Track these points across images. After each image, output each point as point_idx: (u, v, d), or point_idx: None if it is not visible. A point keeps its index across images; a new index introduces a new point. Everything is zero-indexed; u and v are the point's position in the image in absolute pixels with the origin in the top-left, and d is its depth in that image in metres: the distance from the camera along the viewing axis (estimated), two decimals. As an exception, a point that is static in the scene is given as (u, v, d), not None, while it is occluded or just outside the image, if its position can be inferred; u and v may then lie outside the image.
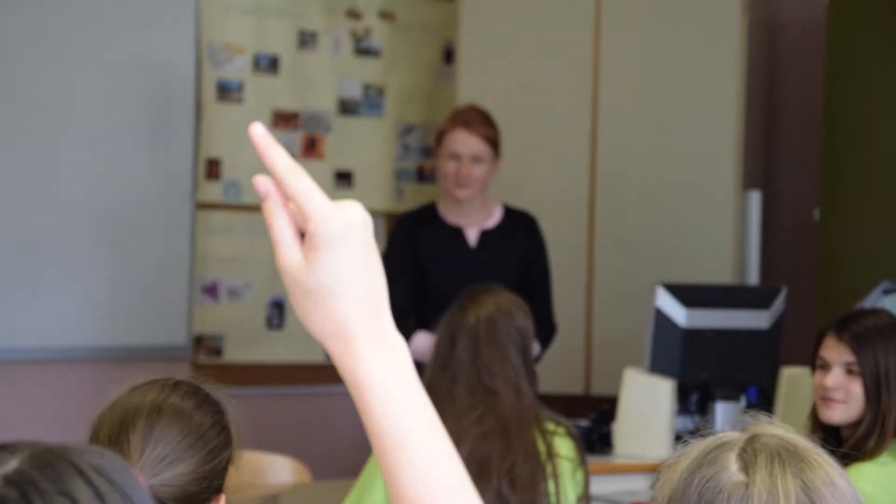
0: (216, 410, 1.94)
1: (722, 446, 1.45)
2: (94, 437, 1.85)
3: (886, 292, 4.24)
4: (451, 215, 4.33)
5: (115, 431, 1.83)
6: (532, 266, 4.38)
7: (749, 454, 1.44)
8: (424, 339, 4.21)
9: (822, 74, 5.48)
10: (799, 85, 5.94)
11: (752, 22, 5.44)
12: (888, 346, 3.05)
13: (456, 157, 4.22)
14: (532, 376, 3.22)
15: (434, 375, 3.17)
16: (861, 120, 5.31)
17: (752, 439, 1.45)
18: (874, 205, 5.25)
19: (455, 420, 3.09)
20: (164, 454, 1.82)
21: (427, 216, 4.33)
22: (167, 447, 1.83)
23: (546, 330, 4.40)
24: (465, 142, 4.22)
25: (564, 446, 3.17)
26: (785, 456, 1.43)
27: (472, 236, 4.35)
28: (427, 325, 4.28)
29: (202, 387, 1.97)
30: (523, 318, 3.23)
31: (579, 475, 3.19)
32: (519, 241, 4.37)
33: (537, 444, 3.13)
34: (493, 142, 4.26)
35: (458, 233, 4.33)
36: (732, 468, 1.43)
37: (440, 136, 4.28)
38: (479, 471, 3.05)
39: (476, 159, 4.22)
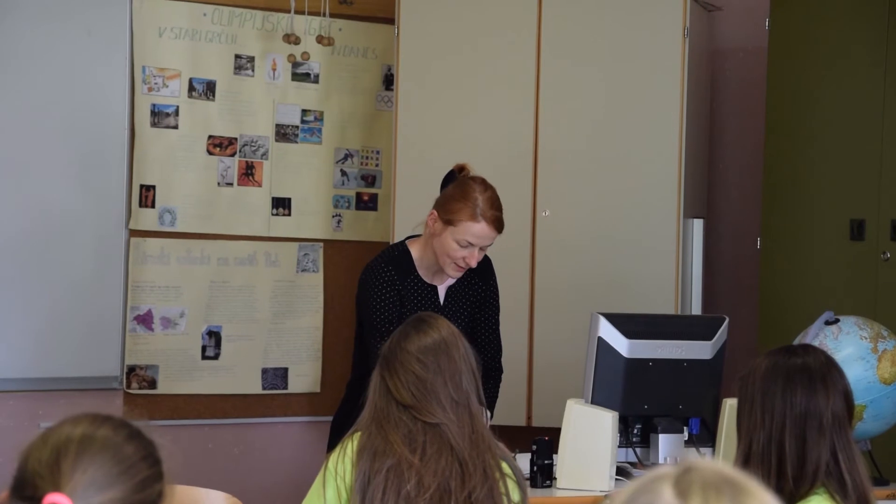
0: (148, 444, 1.95)
1: (658, 478, 1.48)
2: (23, 465, 1.86)
3: (828, 323, 4.23)
4: (426, 272, 4.33)
5: (45, 458, 1.84)
6: (485, 305, 4.43)
7: (684, 483, 1.46)
8: None
9: (763, 103, 5.49)
10: (740, 113, 5.95)
11: (693, 51, 5.44)
12: (764, 380, 3.02)
13: (470, 245, 4.21)
14: (481, 399, 3.22)
15: (379, 416, 3.16)
16: (801, 148, 5.32)
17: (687, 470, 1.48)
18: (815, 234, 5.25)
19: (417, 457, 3.11)
20: (93, 479, 1.83)
21: (406, 270, 4.30)
22: (97, 473, 1.83)
23: (497, 370, 4.43)
24: (486, 236, 4.22)
25: (514, 492, 3.20)
26: (720, 485, 1.46)
27: (441, 293, 4.37)
28: None
29: (134, 423, 1.93)
30: (464, 342, 3.22)
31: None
32: (476, 287, 4.41)
33: (492, 467, 3.15)
34: (503, 227, 4.28)
35: (433, 291, 4.34)
36: (667, 496, 1.45)
37: (455, 219, 4.19)
38: (440, 499, 3.08)
39: (485, 246, 4.26)
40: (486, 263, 4.42)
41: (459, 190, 4.23)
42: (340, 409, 4.47)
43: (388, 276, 4.25)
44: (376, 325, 4.20)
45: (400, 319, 4.22)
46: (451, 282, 4.36)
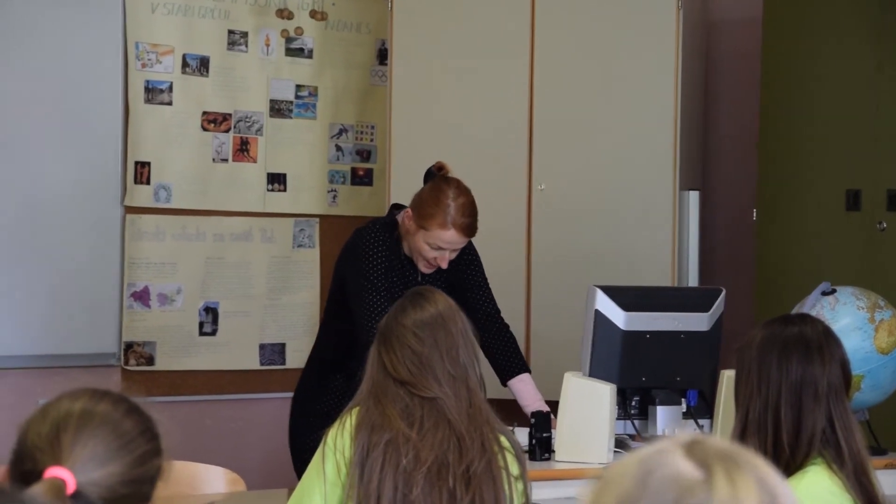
0: (146, 419, 1.95)
1: (665, 451, 1.45)
2: (23, 439, 1.87)
3: (825, 293, 4.23)
4: (408, 248, 4.32)
5: (44, 432, 1.85)
6: (467, 275, 4.42)
7: (699, 454, 1.44)
8: None
9: (758, 74, 5.48)
10: (735, 85, 5.95)
11: (687, 22, 5.42)
12: (762, 349, 3.02)
13: (440, 249, 4.22)
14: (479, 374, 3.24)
15: (377, 391, 3.17)
16: (797, 120, 5.32)
17: (695, 442, 1.46)
18: (811, 205, 5.25)
19: (414, 431, 3.11)
20: (94, 454, 1.84)
21: (394, 242, 4.30)
22: (97, 447, 1.84)
23: (506, 329, 4.43)
24: (456, 241, 4.23)
25: (512, 465, 3.20)
26: (733, 455, 1.45)
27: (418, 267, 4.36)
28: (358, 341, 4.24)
29: (132, 398, 1.94)
30: (461, 317, 3.22)
31: (520, 486, 3.22)
32: (451, 262, 4.36)
33: (490, 440, 3.15)
34: (476, 232, 4.28)
35: (412, 265, 4.33)
36: (687, 467, 1.42)
37: (427, 223, 4.19)
38: (438, 472, 3.09)
39: (456, 249, 4.26)
40: None
41: (433, 195, 4.22)
42: (300, 385, 4.50)
43: (382, 238, 4.27)
44: (369, 278, 4.19)
45: (386, 284, 4.23)
46: None
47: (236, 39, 5.81)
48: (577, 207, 5.44)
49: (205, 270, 5.76)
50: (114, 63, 5.57)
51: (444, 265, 4.24)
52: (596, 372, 4.11)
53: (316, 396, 4.35)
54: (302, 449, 4.22)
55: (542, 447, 4.02)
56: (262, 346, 5.87)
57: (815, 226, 5.24)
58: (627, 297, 4.18)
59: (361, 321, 4.18)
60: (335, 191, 6.01)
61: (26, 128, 5.39)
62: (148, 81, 5.65)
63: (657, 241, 5.36)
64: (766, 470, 1.45)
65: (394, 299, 4.07)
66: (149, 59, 5.64)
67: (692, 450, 1.44)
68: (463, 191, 4.23)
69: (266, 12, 5.80)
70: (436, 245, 4.21)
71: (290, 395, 4.38)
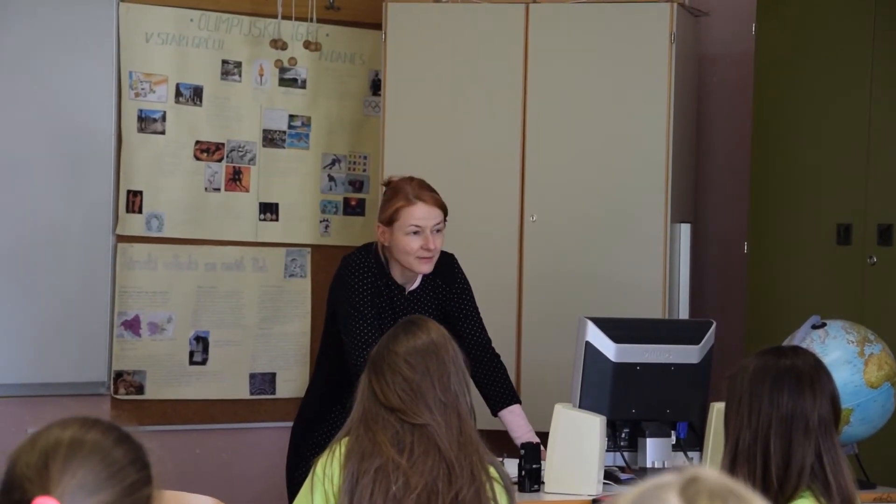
0: (136, 448, 1.92)
1: (662, 486, 1.46)
2: (11, 469, 1.84)
3: (815, 327, 4.24)
4: (398, 275, 4.32)
5: (33, 461, 1.83)
6: (457, 305, 4.41)
7: (691, 493, 1.44)
8: None
9: (749, 108, 5.50)
10: (727, 118, 5.97)
11: (680, 55, 5.45)
12: (753, 380, 3.02)
13: (419, 230, 4.21)
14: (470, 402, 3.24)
15: (367, 418, 3.17)
16: (788, 153, 5.34)
17: (692, 480, 1.46)
18: (802, 239, 5.26)
19: (404, 458, 3.11)
20: (83, 483, 1.81)
21: (382, 265, 4.30)
22: (87, 476, 1.81)
23: (496, 359, 4.41)
24: (428, 215, 4.23)
25: (501, 496, 3.20)
26: (725, 494, 1.44)
27: (407, 292, 4.36)
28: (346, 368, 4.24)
29: (123, 427, 1.93)
30: (453, 345, 3.23)
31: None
32: (440, 290, 4.40)
33: (480, 469, 3.16)
34: (446, 208, 4.29)
35: (400, 291, 4.34)
36: None
37: (394, 213, 4.22)
38: (427, 499, 3.10)
39: (436, 229, 4.25)
40: (447, 265, 4.40)
41: (389, 191, 4.32)
42: (299, 415, 4.50)
43: (367, 264, 4.27)
44: (356, 306, 4.20)
45: (373, 311, 4.23)
46: (415, 285, 4.36)
47: (230, 69, 5.82)
48: (568, 238, 5.45)
49: (196, 299, 5.75)
50: (107, 92, 5.58)
51: (432, 245, 4.21)
52: (586, 403, 4.11)
53: (315, 427, 4.35)
54: (299, 480, 4.22)
55: (531, 479, 4.01)
56: (252, 376, 5.86)
57: (805, 259, 5.25)
58: (618, 329, 4.19)
59: (349, 350, 4.19)
60: (327, 221, 6.01)
61: (19, 156, 5.39)
62: (141, 110, 5.66)
63: (648, 273, 5.37)
64: None
65: (382, 325, 4.09)
66: (142, 89, 5.66)
67: (686, 489, 1.45)
68: (414, 178, 4.31)
69: (260, 42, 5.82)
70: (412, 228, 4.21)
71: (281, 424, 4.39)
